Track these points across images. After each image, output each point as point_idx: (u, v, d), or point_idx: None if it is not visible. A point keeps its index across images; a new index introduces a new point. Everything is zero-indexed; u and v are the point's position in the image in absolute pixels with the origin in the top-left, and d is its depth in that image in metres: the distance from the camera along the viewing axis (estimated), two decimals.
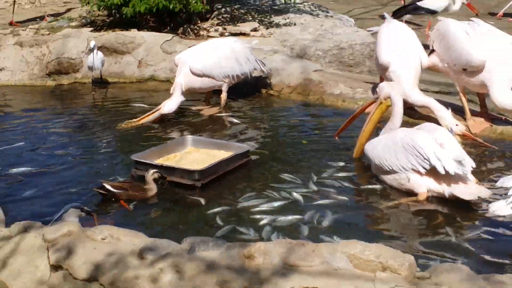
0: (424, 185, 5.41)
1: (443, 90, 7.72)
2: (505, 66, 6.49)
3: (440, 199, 5.44)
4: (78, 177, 6.18)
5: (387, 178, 5.71)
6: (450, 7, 11.44)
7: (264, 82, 8.23)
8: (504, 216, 4.91)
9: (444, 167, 5.20)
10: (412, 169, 5.41)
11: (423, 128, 5.77)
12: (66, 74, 8.80)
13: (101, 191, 5.55)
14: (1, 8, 11.70)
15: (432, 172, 5.32)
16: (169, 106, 7.25)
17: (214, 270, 3.76)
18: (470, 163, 5.37)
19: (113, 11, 10.04)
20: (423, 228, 5.19)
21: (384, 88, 6.21)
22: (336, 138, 6.64)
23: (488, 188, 5.39)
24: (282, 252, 3.78)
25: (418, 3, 11.52)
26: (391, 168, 5.56)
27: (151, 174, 5.70)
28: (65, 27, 9.98)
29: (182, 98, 7.37)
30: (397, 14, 11.27)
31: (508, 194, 4.82)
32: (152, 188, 5.68)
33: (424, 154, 5.29)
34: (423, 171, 5.34)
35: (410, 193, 5.52)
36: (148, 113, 7.28)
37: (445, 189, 5.31)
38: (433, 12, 11.39)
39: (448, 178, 5.29)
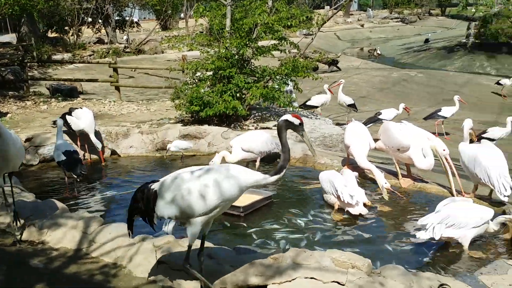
0: (336, 203, 5.80)
1: (384, 162, 7.66)
2: (419, 147, 6.45)
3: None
4: None
5: (328, 198, 6.00)
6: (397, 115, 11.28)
7: (280, 156, 8.18)
8: (422, 239, 4.80)
9: (343, 196, 5.59)
10: (331, 194, 5.81)
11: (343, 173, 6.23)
12: (165, 150, 8.81)
13: None
14: (130, 112, 11.85)
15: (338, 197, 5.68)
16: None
17: (254, 266, 3.70)
18: (360, 197, 5.70)
19: (194, 114, 10.16)
20: (372, 240, 5.09)
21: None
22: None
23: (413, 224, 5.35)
24: (292, 256, 3.74)
25: (379, 117, 11.10)
26: (325, 192, 6.02)
27: None
28: (166, 123, 10.09)
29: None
30: (367, 124, 10.22)
31: (426, 227, 4.71)
32: None
33: (336, 187, 5.71)
34: (335, 195, 5.71)
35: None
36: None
37: (344, 207, 5.69)
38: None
39: (346, 203, 5.61)
